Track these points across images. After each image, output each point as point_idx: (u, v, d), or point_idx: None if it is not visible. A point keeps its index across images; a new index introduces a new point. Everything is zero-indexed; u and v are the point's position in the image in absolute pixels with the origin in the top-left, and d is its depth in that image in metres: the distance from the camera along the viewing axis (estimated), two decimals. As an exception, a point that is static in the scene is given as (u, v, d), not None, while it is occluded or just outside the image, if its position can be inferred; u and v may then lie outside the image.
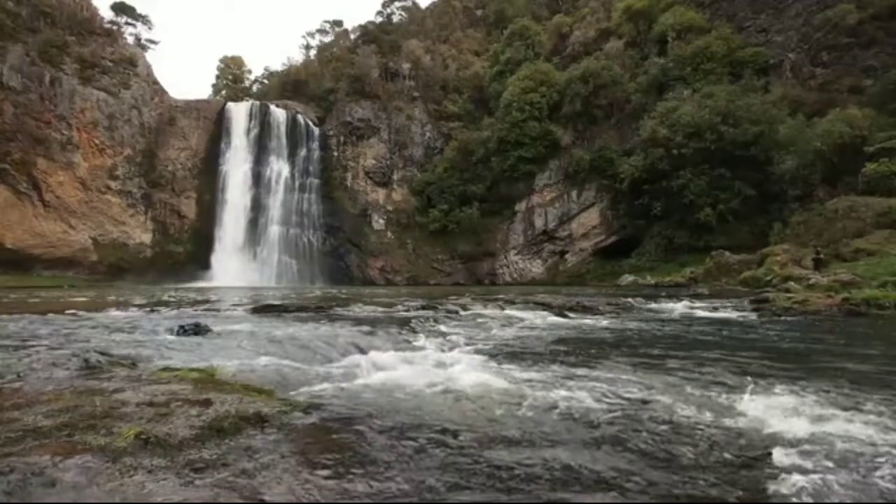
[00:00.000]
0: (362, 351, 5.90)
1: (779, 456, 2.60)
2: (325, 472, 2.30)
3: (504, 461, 2.53)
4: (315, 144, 50.71)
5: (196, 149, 48.35)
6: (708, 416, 3.34)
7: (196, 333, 6.73)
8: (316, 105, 53.59)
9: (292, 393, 3.84)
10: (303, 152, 49.91)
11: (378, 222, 49.55)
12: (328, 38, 68.89)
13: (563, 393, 3.95)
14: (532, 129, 44.07)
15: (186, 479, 2.10)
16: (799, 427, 3.04)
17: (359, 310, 11.37)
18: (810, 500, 2.13)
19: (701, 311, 12.45)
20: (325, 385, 4.16)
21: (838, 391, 4.01)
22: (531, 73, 45.70)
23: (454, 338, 7.36)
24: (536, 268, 45.41)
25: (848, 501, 2.13)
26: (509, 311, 11.64)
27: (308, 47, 69.70)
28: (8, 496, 1.83)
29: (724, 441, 2.87)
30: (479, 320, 9.88)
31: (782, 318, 10.57)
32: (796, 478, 2.30)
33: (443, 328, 8.41)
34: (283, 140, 49.21)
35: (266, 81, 70.96)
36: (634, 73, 44.44)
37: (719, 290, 20.98)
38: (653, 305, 14.01)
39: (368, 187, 50.36)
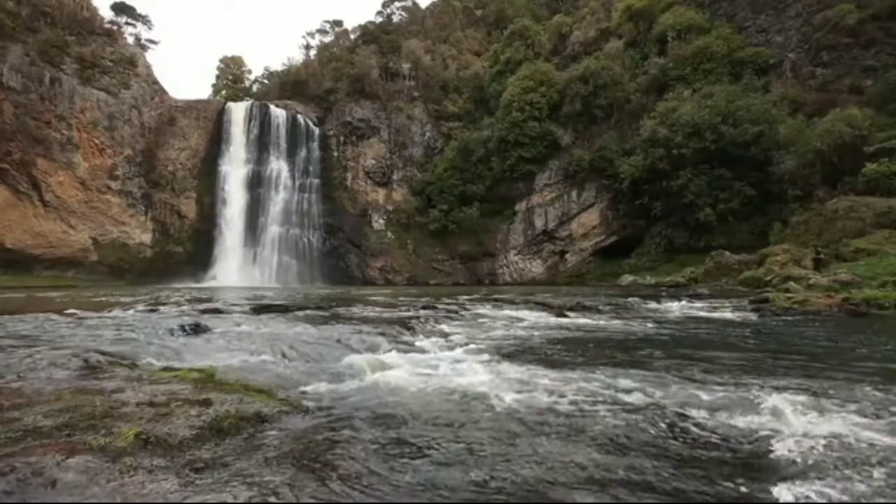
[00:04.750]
0: (362, 351, 5.90)
1: (780, 455, 2.60)
2: (325, 473, 2.31)
3: (504, 461, 2.53)
4: (315, 144, 50.66)
5: (196, 149, 48.32)
6: (708, 415, 3.34)
7: (196, 333, 6.74)
8: (316, 105, 53.52)
9: (292, 393, 3.84)
10: (303, 152, 49.86)
11: (378, 222, 49.54)
12: (328, 38, 68.85)
13: (563, 392, 3.95)
14: (532, 129, 44.07)
15: (186, 479, 2.11)
16: (800, 426, 3.05)
17: (359, 310, 11.37)
18: (812, 500, 2.14)
19: (701, 311, 12.44)
20: (325, 385, 4.16)
21: (839, 390, 4.01)
22: (531, 73, 45.69)
23: (454, 338, 7.37)
24: (536, 268, 45.40)
25: (849, 501, 2.13)
26: (509, 311, 11.64)
27: (308, 47, 69.65)
28: (8, 496, 1.83)
29: (725, 440, 2.87)
30: (480, 320, 9.88)
31: (782, 318, 10.56)
32: (797, 477, 2.31)
33: (443, 328, 8.41)
34: (283, 140, 49.15)
35: (266, 81, 70.86)
36: (634, 73, 44.43)
37: (719, 290, 20.98)
38: (652, 305, 14.01)
39: (368, 187, 50.34)
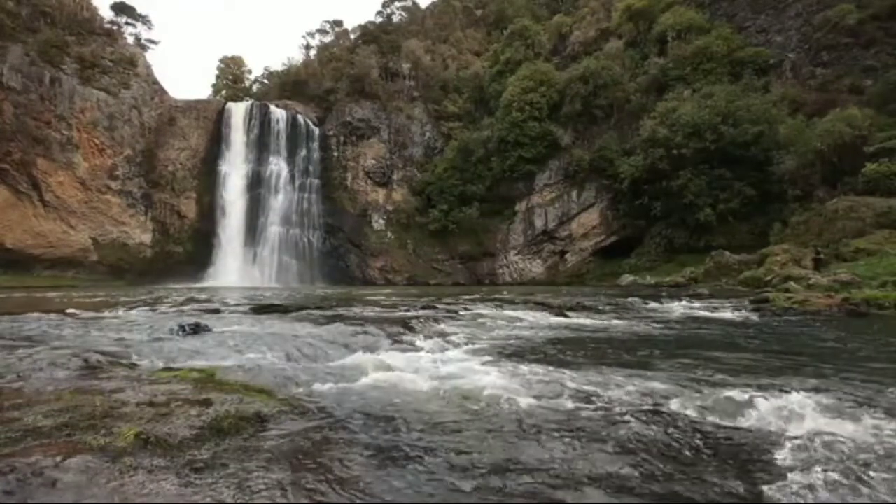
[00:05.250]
0: (362, 351, 5.89)
1: (780, 456, 2.59)
2: (325, 475, 2.30)
3: (503, 462, 2.52)
4: (315, 144, 50.66)
5: (196, 149, 48.31)
6: (708, 415, 3.33)
7: (196, 333, 6.73)
8: (316, 105, 53.52)
9: (292, 393, 3.83)
10: (303, 152, 49.86)
11: (378, 222, 49.54)
12: (328, 38, 68.86)
13: (563, 393, 3.94)
14: (532, 129, 44.09)
15: (186, 479, 2.10)
16: (800, 427, 3.03)
17: (359, 310, 11.36)
18: (812, 501, 2.13)
19: (701, 310, 12.43)
20: (326, 385, 4.15)
21: (839, 391, 4.00)
22: (531, 73, 45.71)
23: (454, 338, 7.35)
24: (536, 268, 45.40)
25: (848, 502, 2.12)
26: (509, 311, 11.63)
27: (308, 47, 69.67)
28: (8, 496, 1.82)
29: (725, 441, 2.86)
30: (480, 320, 9.87)
31: (782, 318, 10.55)
32: (798, 478, 2.30)
33: (443, 328, 8.39)
34: (283, 140, 49.16)
35: (266, 81, 70.86)
36: (634, 73, 44.45)
37: (719, 290, 20.97)
38: (653, 305, 14.00)
39: (368, 187, 50.34)
